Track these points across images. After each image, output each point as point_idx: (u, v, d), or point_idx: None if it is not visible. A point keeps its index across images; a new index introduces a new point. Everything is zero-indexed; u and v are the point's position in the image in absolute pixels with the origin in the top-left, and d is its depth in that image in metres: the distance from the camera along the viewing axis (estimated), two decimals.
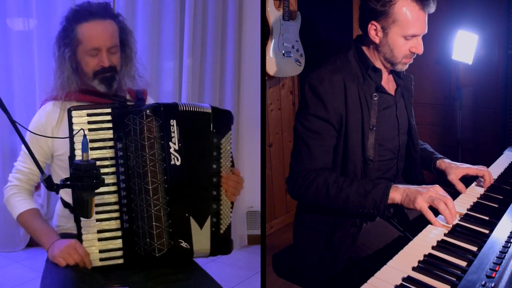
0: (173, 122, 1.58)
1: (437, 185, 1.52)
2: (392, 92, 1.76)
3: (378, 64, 1.69)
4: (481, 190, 1.71)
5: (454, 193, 1.67)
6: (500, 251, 1.21)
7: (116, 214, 1.55)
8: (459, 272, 1.15)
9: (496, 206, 1.58)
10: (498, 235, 1.31)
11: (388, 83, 1.76)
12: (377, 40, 1.63)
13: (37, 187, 1.76)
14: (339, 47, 1.74)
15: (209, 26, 3.25)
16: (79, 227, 1.52)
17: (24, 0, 2.95)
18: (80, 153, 1.34)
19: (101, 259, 1.53)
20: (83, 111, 1.54)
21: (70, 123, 1.52)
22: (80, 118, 1.53)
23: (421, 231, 1.38)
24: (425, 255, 1.22)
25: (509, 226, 1.37)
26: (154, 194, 1.54)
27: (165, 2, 3.14)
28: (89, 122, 1.54)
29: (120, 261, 1.54)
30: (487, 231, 1.37)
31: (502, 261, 1.15)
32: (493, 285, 1.05)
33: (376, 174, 1.69)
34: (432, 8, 1.58)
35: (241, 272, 2.98)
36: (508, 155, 2.16)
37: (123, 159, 1.54)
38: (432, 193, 1.47)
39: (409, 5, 1.55)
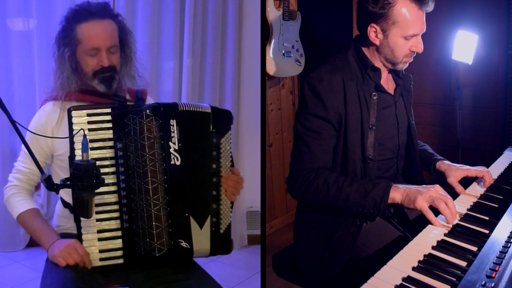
0: (173, 122, 1.58)
1: (437, 185, 1.52)
2: (391, 91, 1.76)
3: (378, 64, 1.69)
4: (481, 190, 1.71)
5: (454, 193, 1.67)
6: (500, 251, 1.21)
7: (116, 214, 1.55)
8: (459, 272, 1.15)
9: (496, 206, 1.58)
10: (498, 235, 1.31)
11: (388, 82, 1.76)
12: (377, 42, 1.63)
13: (37, 187, 1.76)
14: (339, 47, 1.75)
15: (209, 26, 3.25)
16: (79, 227, 1.52)
17: (24, 0, 2.95)
18: (80, 153, 1.34)
19: (101, 259, 1.53)
20: (83, 111, 1.54)
21: (70, 123, 1.52)
22: (80, 118, 1.53)
23: (421, 231, 1.38)
24: (425, 255, 1.22)
25: (509, 226, 1.37)
26: (154, 194, 1.54)
27: (165, 2, 3.13)
28: (89, 122, 1.54)
29: (120, 261, 1.54)
30: (487, 231, 1.37)
31: (502, 261, 1.15)
32: (493, 285, 1.05)
33: (376, 173, 1.69)
34: (430, 7, 1.58)
35: (241, 272, 2.98)
36: (508, 155, 2.16)
37: (123, 159, 1.54)
38: (432, 193, 1.47)
39: (408, 6, 1.56)
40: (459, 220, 1.46)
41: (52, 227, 1.67)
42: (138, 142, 1.54)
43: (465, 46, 2.97)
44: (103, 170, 1.51)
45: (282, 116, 3.36)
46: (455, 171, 1.76)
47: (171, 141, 1.57)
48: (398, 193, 1.51)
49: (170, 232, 1.55)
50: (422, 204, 1.45)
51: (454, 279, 1.12)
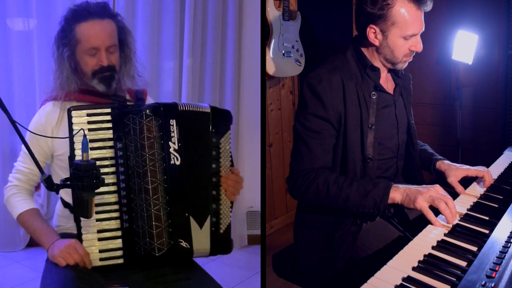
0: (173, 122, 1.58)
1: (438, 185, 1.52)
2: (390, 91, 1.76)
3: (377, 64, 1.69)
4: (481, 190, 1.71)
5: (454, 193, 1.67)
6: (500, 251, 1.21)
7: (116, 214, 1.55)
8: (459, 272, 1.15)
9: (496, 206, 1.58)
10: (498, 235, 1.31)
11: (387, 82, 1.76)
12: (377, 43, 1.63)
13: (37, 187, 1.76)
14: (339, 47, 1.75)
15: (209, 26, 3.25)
16: (79, 227, 1.52)
17: (24, 0, 2.95)
18: (80, 153, 1.34)
19: (101, 259, 1.53)
20: (83, 111, 1.54)
21: (70, 123, 1.52)
22: (80, 118, 1.53)
23: (421, 231, 1.38)
24: (425, 255, 1.22)
25: (509, 226, 1.37)
26: (154, 193, 1.54)
27: (165, 2, 3.13)
28: (89, 122, 1.54)
29: (120, 260, 1.54)
30: (487, 231, 1.37)
31: (502, 261, 1.15)
32: (493, 285, 1.05)
33: (376, 173, 1.69)
34: (429, 7, 1.59)
35: (241, 272, 2.98)
36: (508, 155, 2.16)
37: (123, 159, 1.54)
38: (432, 192, 1.47)
39: (407, 6, 1.56)
40: (459, 220, 1.46)
41: (52, 227, 1.67)
42: (138, 142, 1.54)
43: (465, 46, 2.97)
44: (103, 170, 1.51)
45: (282, 116, 3.36)
46: (455, 170, 1.76)
47: (171, 141, 1.57)
48: (398, 193, 1.51)
49: (170, 232, 1.55)
50: (422, 204, 1.45)
51: (454, 279, 1.12)
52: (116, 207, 1.55)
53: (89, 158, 1.34)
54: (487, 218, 1.48)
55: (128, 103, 1.66)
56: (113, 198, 1.55)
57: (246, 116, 3.41)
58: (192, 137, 1.61)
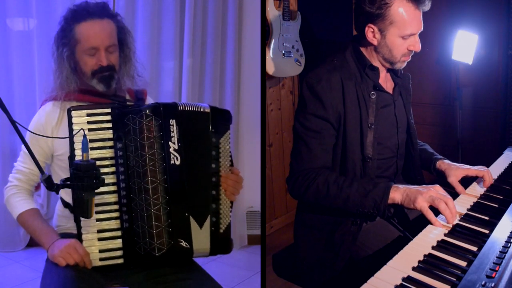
0: (173, 122, 1.58)
1: (438, 185, 1.52)
2: (390, 90, 1.76)
3: (376, 63, 1.69)
4: (481, 190, 1.71)
5: (454, 193, 1.67)
6: (500, 251, 1.21)
7: (116, 214, 1.55)
8: (459, 272, 1.15)
9: (496, 206, 1.58)
10: (498, 235, 1.31)
11: (386, 82, 1.76)
12: (375, 42, 1.63)
13: (37, 187, 1.76)
14: (338, 47, 1.75)
15: (209, 26, 3.25)
16: (79, 227, 1.52)
17: (24, 0, 2.95)
18: (80, 153, 1.34)
19: (101, 259, 1.53)
20: (83, 111, 1.54)
21: (70, 123, 1.52)
22: (80, 118, 1.53)
23: (421, 231, 1.38)
24: (425, 255, 1.22)
25: (509, 226, 1.37)
26: (154, 193, 1.54)
27: (165, 2, 3.13)
28: (89, 122, 1.54)
29: (120, 260, 1.54)
30: (487, 231, 1.37)
31: (502, 261, 1.15)
32: (493, 285, 1.05)
33: (376, 172, 1.69)
34: (427, 6, 1.59)
35: (241, 272, 2.98)
36: (508, 155, 2.16)
37: (122, 159, 1.54)
38: (432, 193, 1.47)
39: (405, 6, 1.56)
40: (459, 220, 1.46)
41: (52, 227, 1.67)
42: (137, 142, 1.54)
43: (465, 46, 2.97)
44: (103, 170, 1.51)
45: (282, 116, 3.36)
46: (455, 170, 1.76)
47: (171, 141, 1.57)
48: (398, 193, 1.51)
49: (170, 231, 1.55)
50: (422, 204, 1.45)
51: (454, 279, 1.12)
52: (116, 207, 1.55)
53: (89, 158, 1.34)
54: (487, 218, 1.48)
55: (128, 103, 1.66)
56: (113, 198, 1.55)
57: (246, 116, 3.41)
58: (192, 137, 1.61)
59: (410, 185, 1.54)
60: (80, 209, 1.34)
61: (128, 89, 1.77)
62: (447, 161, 1.83)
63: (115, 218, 1.55)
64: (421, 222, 1.45)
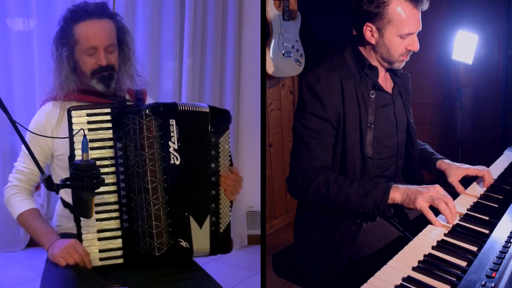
0: (173, 122, 1.58)
1: (438, 185, 1.52)
2: (389, 90, 1.76)
3: (375, 63, 1.69)
4: (481, 190, 1.71)
5: (454, 193, 1.67)
6: (500, 251, 1.21)
7: (116, 214, 1.55)
8: (459, 272, 1.15)
9: (496, 206, 1.58)
10: (498, 235, 1.31)
11: (385, 81, 1.76)
12: (373, 41, 1.63)
13: (37, 187, 1.76)
14: (338, 47, 1.75)
15: (209, 26, 3.25)
16: (79, 227, 1.52)
17: (24, 0, 2.95)
18: (80, 153, 1.34)
19: (101, 259, 1.53)
20: (83, 111, 1.54)
21: (70, 123, 1.52)
22: (80, 118, 1.53)
23: (421, 231, 1.38)
24: (425, 255, 1.22)
25: (509, 226, 1.37)
26: (154, 193, 1.54)
27: (165, 2, 3.14)
28: (89, 122, 1.54)
29: (120, 260, 1.54)
30: (487, 231, 1.37)
31: (502, 261, 1.15)
32: (493, 285, 1.05)
33: (376, 172, 1.69)
34: (425, 6, 1.59)
35: (241, 272, 2.98)
36: (508, 155, 2.15)
37: (122, 159, 1.54)
38: (432, 192, 1.47)
39: (403, 5, 1.56)
40: (459, 220, 1.46)
41: (52, 227, 1.67)
42: (137, 142, 1.54)
43: (465, 46, 2.97)
44: (103, 170, 1.51)
45: (282, 116, 3.36)
46: (456, 170, 1.76)
47: (171, 141, 1.57)
48: (398, 193, 1.51)
49: (170, 231, 1.55)
50: (422, 204, 1.45)
51: (454, 279, 1.12)
52: (116, 207, 1.55)
53: (89, 158, 1.34)
54: (487, 218, 1.48)
55: (128, 103, 1.66)
56: (113, 198, 1.55)
57: (246, 116, 3.41)
58: (191, 136, 1.61)
59: (410, 185, 1.54)
60: (80, 209, 1.34)
61: (128, 89, 1.77)
62: (447, 161, 1.83)
63: (115, 218, 1.55)
64: (421, 222, 1.45)
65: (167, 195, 1.55)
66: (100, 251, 1.53)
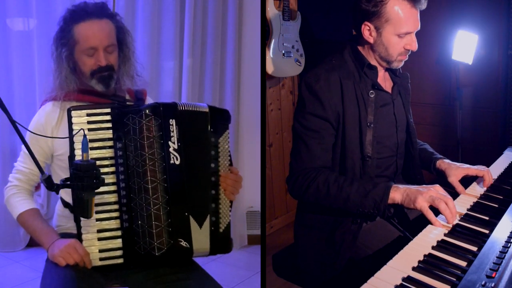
0: (173, 122, 1.58)
1: (438, 185, 1.52)
2: (389, 90, 1.76)
3: (374, 62, 1.69)
4: (481, 190, 1.71)
5: (454, 193, 1.67)
6: (500, 251, 1.21)
7: (116, 214, 1.55)
8: (459, 272, 1.15)
9: (496, 206, 1.58)
10: (498, 235, 1.31)
11: (385, 81, 1.76)
12: (371, 40, 1.63)
13: (37, 187, 1.76)
14: (337, 47, 1.75)
15: (209, 26, 3.25)
16: (79, 227, 1.52)
17: (24, 0, 2.95)
18: (80, 153, 1.34)
19: (101, 259, 1.53)
20: (83, 111, 1.54)
21: (70, 123, 1.52)
22: (80, 118, 1.53)
23: (421, 231, 1.38)
24: (425, 255, 1.22)
25: (509, 226, 1.37)
26: (154, 193, 1.54)
27: (165, 2, 3.14)
28: (89, 122, 1.54)
29: (120, 260, 1.54)
30: (487, 231, 1.37)
31: (502, 261, 1.15)
32: (493, 285, 1.05)
33: (375, 171, 1.69)
34: (423, 5, 1.59)
35: (241, 272, 2.98)
36: (508, 155, 2.15)
37: (122, 159, 1.54)
38: (432, 192, 1.47)
39: (401, 4, 1.56)
40: (459, 220, 1.46)
41: (52, 227, 1.67)
42: (137, 142, 1.54)
43: (465, 46, 2.97)
44: (103, 170, 1.51)
45: (282, 116, 3.36)
46: (456, 170, 1.76)
47: (171, 141, 1.57)
48: (398, 193, 1.51)
49: (170, 231, 1.55)
50: (422, 204, 1.45)
51: (454, 279, 1.12)
52: (116, 206, 1.55)
53: (89, 158, 1.34)
54: (487, 218, 1.48)
55: (127, 103, 1.66)
56: (113, 197, 1.55)
57: (246, 116, 3.41)
58: (191, 136, 1.61)
59: (410, 185, 1.54)
60: (80, 209, 1.34)
61: (128, 89, 1.77)
62: (447, 161, 1.83)
63: (115, 218, 1.55)
64: (421, 222, 1.45)
65: (167, 195, 1.55)
66: (100, 251, 1.54)
